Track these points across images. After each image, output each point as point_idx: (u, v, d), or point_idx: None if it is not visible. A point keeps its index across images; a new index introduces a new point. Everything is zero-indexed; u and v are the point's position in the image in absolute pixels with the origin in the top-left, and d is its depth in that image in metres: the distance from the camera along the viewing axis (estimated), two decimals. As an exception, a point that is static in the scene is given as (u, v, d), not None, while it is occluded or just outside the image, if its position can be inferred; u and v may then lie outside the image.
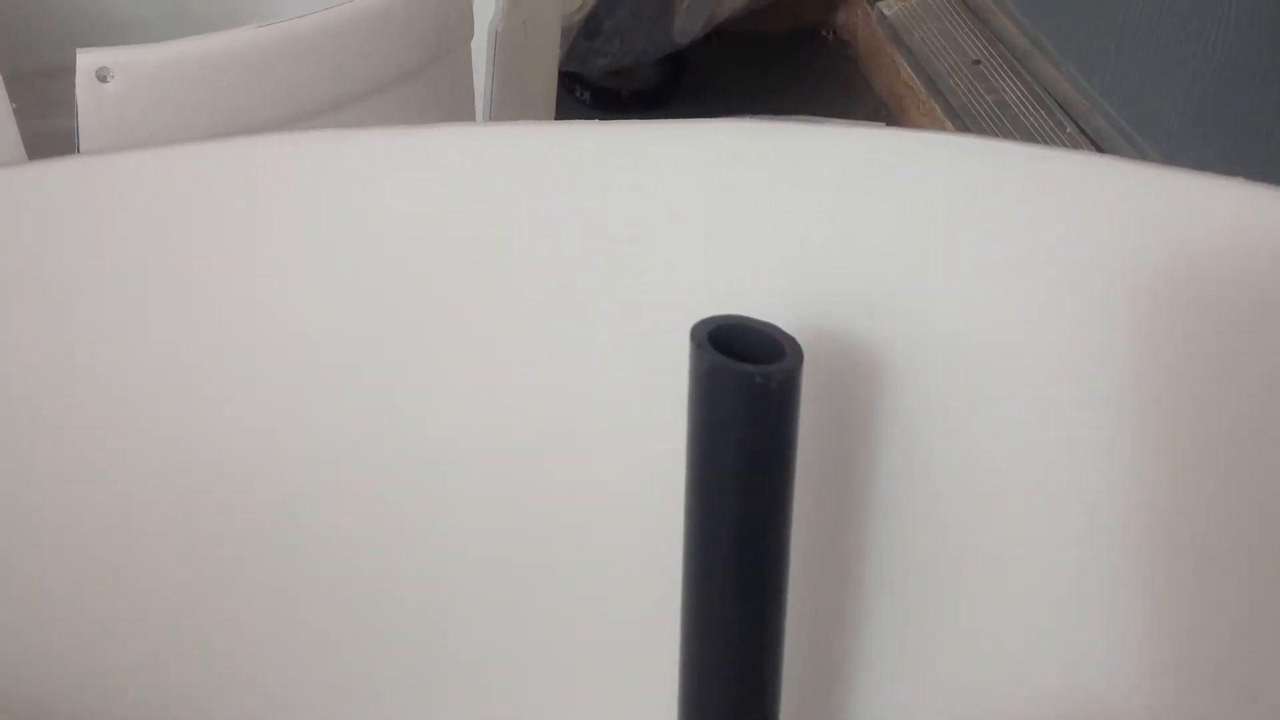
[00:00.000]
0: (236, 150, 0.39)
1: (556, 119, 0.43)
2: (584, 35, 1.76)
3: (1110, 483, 0.40)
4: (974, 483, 0.41)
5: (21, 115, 0.63)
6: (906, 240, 0.39)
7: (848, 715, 0.44)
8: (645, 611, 0.42)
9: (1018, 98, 1.77)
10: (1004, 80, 1.82)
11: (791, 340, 0.34)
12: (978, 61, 1.87)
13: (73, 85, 0.60)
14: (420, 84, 0.74)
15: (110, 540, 0.41)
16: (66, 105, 0.61)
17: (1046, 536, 0.41)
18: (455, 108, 0.80)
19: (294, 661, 0.43)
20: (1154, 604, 0.40)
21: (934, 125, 1.66)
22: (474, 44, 0.81)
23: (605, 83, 1.91)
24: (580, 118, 0.39)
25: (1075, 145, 1.57)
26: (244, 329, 0.40)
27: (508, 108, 0.85)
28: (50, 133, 0.61)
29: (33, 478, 0.40)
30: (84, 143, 0.61)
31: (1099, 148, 1.55)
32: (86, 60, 0.59)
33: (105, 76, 0.59)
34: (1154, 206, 0.38)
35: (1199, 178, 0.37)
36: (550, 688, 0.44)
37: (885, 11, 2.01)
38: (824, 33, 2.20)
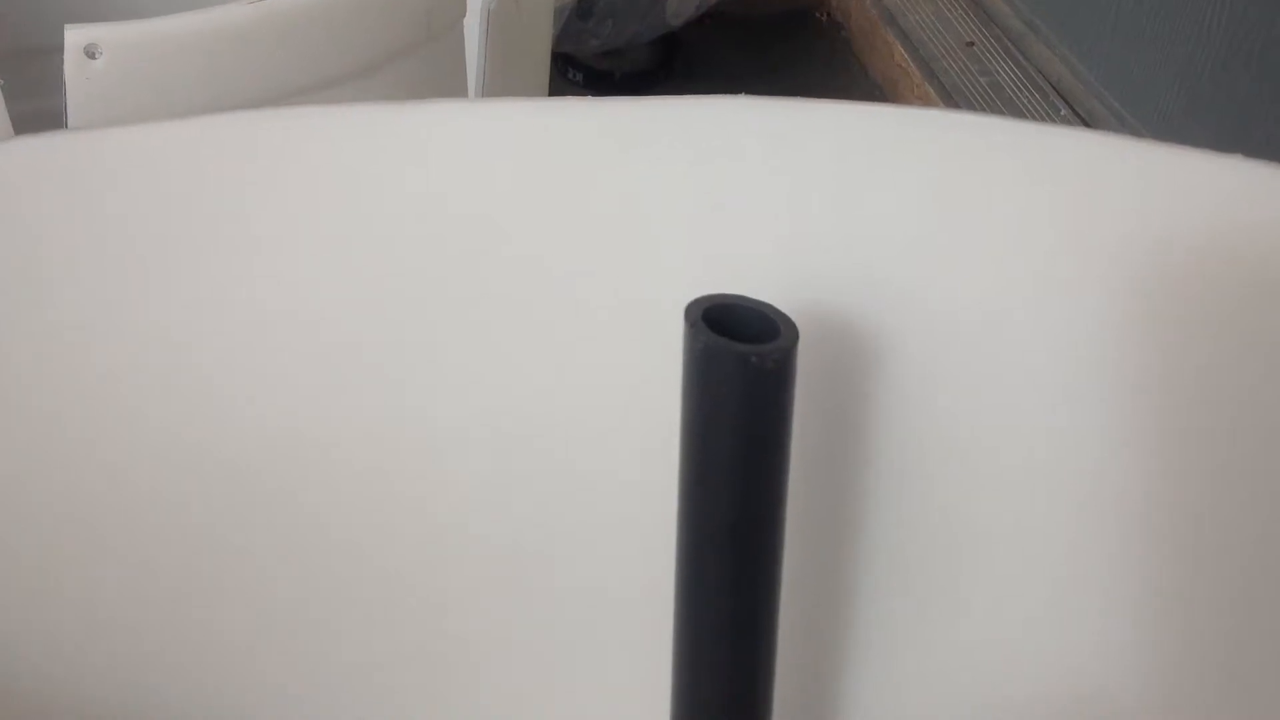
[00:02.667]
0: (226, 126, 0.38)
1: (549, 99, 0.43)
2: (577, 16, 1.76)
3: (1107, 465, 0.39)
4: (970, 464, 0.41)
5: (10, 95, 0.63)
6: (902, 218, 0.39)
7: (842, 699, 0.44)
8: (641, 594, 0.42)
9: (1011, 80, 1.77)
10: (998, 62, 1.82)
11: (787, 319, 0.34)
12: (972, 43, 1.87)
13: (62, 64, 0.59)
14: (412, 64, 0.74)
15: (109, 523, 0.41)
16: (56, 85, 0.60)
17: (1043, 519, 0.41)
18: (447, 88, 0.79)
19: (292, 641, 0.43)
20: (1149, 589, 0.40)
21: (928, 107, 1.66)
22: (466, 23, 0.80)
23: (598, 64, 1.91)
24: (573, 98, 0.39)
25: (1069, 128, 1.57)
26: (235, 307, 0.40)
27: (500, 88, 0.85)
28: (40, 112, 0.60)
29: (26, 462, 0.40)
30: (72, 120, 0.60)
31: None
32: (75, 37, 0.59)
33: (94, 53, 0.59)
34: (1150, 184, 0.38)
35: (1196, 154, 0.37)
36: (548, 670, 0.44)
37: (879, -7, 2.01)
38: (818, 14, 2.20)
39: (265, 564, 0.42)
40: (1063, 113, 1.67)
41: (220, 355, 0.40)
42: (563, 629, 0.44)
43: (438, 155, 0.39)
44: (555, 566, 0.43)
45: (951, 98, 1.75)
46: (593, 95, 0.39)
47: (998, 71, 1.80)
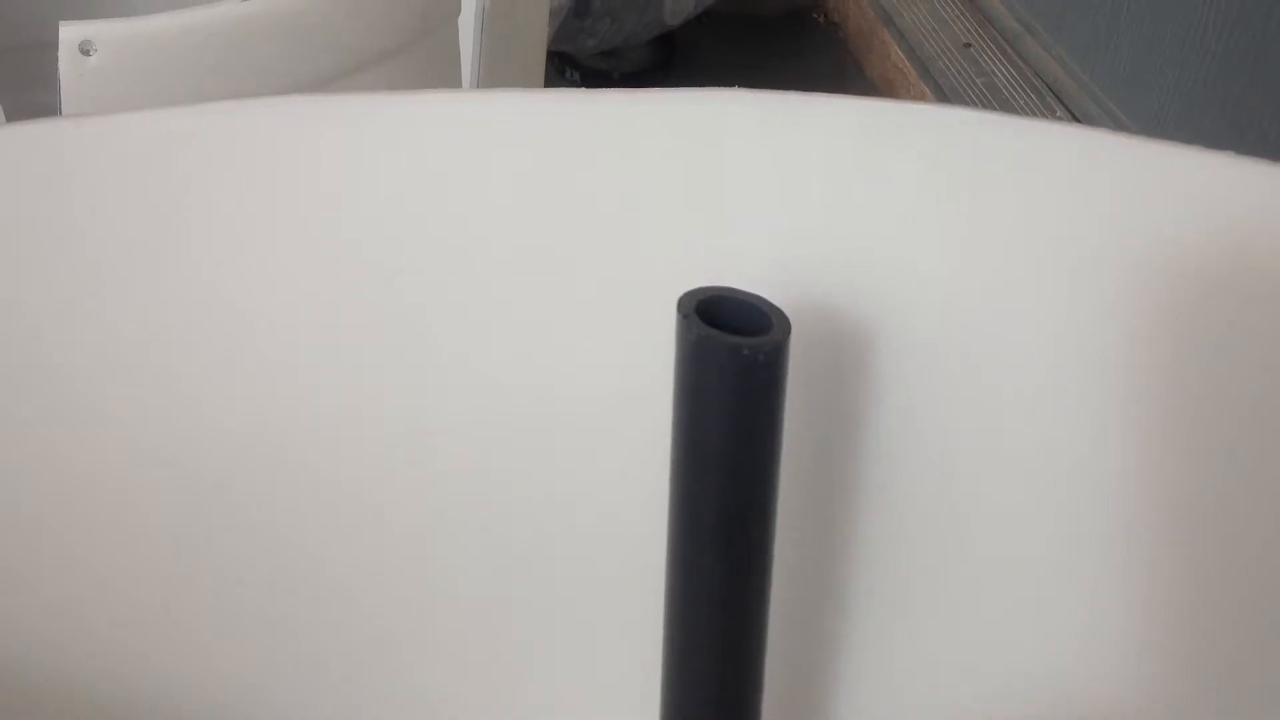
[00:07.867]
0: (219, 116, 0.38)
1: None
2: (574, 14, 1.76)
3: (1105, 461, 0.39)
4: (963, 460, 0.41)
5: (4, 90, 0.63)
6: (895, 212, 0.39)
7: (832, 691, 0.44)
8: (631, 586, 0.42)
9: (1008, 81, 1.78)
10: (994, 63, 1.82)
11: (780, 312, 0.34)
12: (968, 44, 1.87)
13: (56, 60, 0.59)
14: (406, 61, 0.74)
15: (83, 518, 0.41)
16: (50, 80, 0.60)
17: (1038, 516, 0.41)
18: (441, 86, 0.79)
19: (278, 637, 0.43)
20: (1149, 587, 0.40)
21: (924, 108, 1.66)
22: (461, 21, 0.80)
23: (595, 64, 1.91)
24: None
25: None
26: (222, 296, 0.40)
27: (495, 86, 0.85)
28: (34, 108, 0.60)
29: (12, 458, 0.40)
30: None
31: (1089, 131, 1.55)
32: (69, 33, 0.59)
33: (88, 50, 0.59)
34: (1144, 180, 0.38)
35: (1188, 151, 0.37)
36: (537, 663, 0.44)
37: (876, -6, 2.01)
38: (815, 15, 2.20)
39: (249, 558, 0.42)
40: (1058, 113, 1.67)
41: (207, 345, 0.40)
42: (552, 621, 0.44)
43: (428, 146, 0.39)
44: (545, 559, 0.43)
45: (948, 98, 1.75)
46: (588, 92, 0.39)
47: (994, 72, 1.80)
